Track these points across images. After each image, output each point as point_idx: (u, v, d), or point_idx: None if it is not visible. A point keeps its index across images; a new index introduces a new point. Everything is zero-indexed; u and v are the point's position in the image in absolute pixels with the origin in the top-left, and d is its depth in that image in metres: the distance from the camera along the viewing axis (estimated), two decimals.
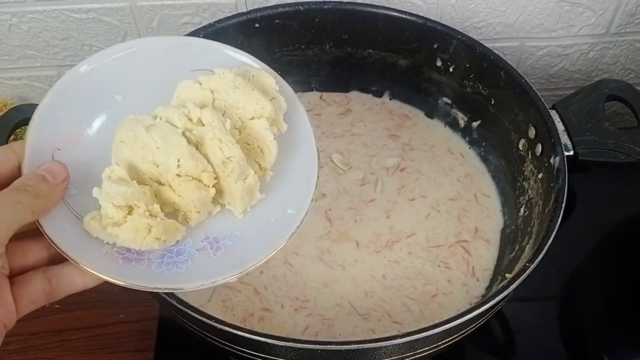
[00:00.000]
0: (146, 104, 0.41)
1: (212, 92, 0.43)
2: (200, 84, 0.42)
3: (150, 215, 0.38)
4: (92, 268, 0.37)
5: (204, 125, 0.40)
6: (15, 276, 0.38)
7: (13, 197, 0.35)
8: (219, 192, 0.41)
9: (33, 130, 0.39)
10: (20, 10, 0.72)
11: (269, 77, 0.44)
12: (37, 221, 0.37)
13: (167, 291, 0.39)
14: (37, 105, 0.62)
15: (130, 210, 0.38)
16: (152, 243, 0.38)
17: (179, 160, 0.39)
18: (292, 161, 0.44)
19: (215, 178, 0.40)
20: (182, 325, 0.52)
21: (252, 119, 0.42)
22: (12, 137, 0.62)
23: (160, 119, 0.40)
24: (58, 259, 0.39)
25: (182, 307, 0.47)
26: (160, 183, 0.40)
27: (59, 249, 0.37)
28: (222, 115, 0.41)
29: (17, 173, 0.37)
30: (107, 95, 0.41)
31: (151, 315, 0.66)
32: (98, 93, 0.41)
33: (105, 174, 0.39)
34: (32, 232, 0.39)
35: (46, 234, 0.37)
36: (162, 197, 0.40)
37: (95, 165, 0.39)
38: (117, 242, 0.38)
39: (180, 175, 0.39)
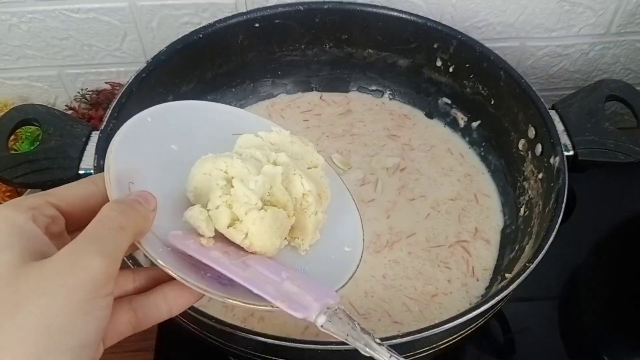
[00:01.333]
0: (195, 155, 0.44)
1: (272, 144, 0.47)
2: (262, 138, 0.47)
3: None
4: (198, 287, 0.37)
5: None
6: None
7: (113, 224, 0.35)
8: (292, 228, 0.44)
9: (112, 162, 0.40)
10: (20, 10, 0.72)
11: (309, 142, 0.49)
12: (139, 242, 0.37)
13: (269, 310, 0.39)
14: (37, 105, 0.63)
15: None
16: (280, 241, 0.42)
17: (271, 188, 0.42)
18: (335, 208, 0.48)
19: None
20: (182, 325, 0.52)
21: (309, 168, 0.47)
22: (12, 136, 0.63)
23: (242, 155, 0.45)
24: (141, 290, 0.39)
25: None
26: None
27: (165, 267, 0.37)
28: None
29: (101, 205, 0.37)
30: (165, 143, 0.45)
31: None
32: (159, 140, 0.45)
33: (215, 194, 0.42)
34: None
35: (150, 255, 0.37)
36: None
37: (161, 199, 0.41)
38: (251, 232, 0.40)
39: (267, 203, 0.42)
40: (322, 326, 0.38)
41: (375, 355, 0.36)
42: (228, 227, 0.40)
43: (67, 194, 0.38)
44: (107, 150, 0.41)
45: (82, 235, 0.34)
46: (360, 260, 0.46)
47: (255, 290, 0.38)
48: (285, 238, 0.44)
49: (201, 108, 0.49)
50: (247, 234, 0.40)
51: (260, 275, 0.40)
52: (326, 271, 0.44)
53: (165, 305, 0.39)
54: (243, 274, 0.39)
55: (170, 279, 0.39)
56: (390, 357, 0.36)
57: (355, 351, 0.47)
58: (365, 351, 0.36)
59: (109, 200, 0.37)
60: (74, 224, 0.38)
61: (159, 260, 0.37)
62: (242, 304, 0.38)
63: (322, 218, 0.45)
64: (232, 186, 0.41)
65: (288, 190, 0.43)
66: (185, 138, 0.46)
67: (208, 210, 0.41)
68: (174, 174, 0.44)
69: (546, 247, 0.53)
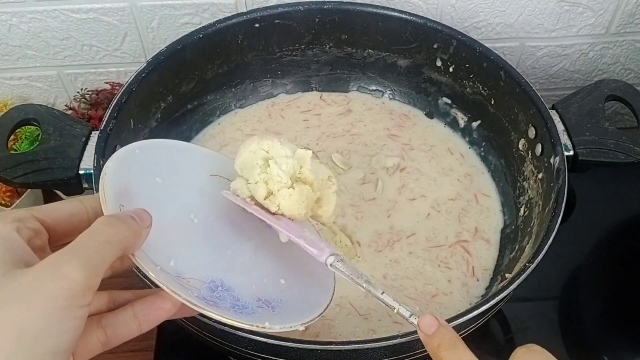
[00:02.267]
0: (175, 191, 0.49)
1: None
2: (280, 142, 0.53)
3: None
4: (188, 301, 0.39)
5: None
6: None
7: (100, 237, 0.35)
8: (317, 200, 0.53)
9: (107, 183, 0.42)
10: (20, 10, 0.72)
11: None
12: (132, 256, 0.39)
13: (250, 327, 0.42)
14: (37, 105, 0.63)
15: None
16: (305, 211, 0.50)
17: (301, 167, 0.50)
18: (310, 259, 0.52)
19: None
20: (182, 325, 0.52)
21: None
22: (12, 136, 0.62)
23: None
24: (113, 309, 0.40)
25: None
26: None
27: (152, 279, 0.39)
28: None
29: (86, 226, 0.37)
30: (151, 176, 0.48)
31: None
32: (145, 172, 0.48)
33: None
34: None
35: (143, 268, 0.39)
36: None
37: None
38: (282, 205, 0.48)
39: (296, 180, 0.51)
40: (331, 265, 0.46)
41: (371, 289, 0.44)
42: (264, 199, 0.49)
43: (53, 210, 0.39)
44: (100, 173, 0.43)
45: (67, 246, 0.34)
46: (334, 291, 0.50)
47: (283, 231, 0.48)
48: (313, 208, 0.53)
49: (185, 148, 0.54)
50: (279, 206, 0.49)
51: (287, 224, 0.49)
52: (301, 302, 0.48)
53: (134, 322, 0.39)
54: (275, 221, 0.48)
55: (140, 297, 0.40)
56: (382, 293, 0.44)
57: (355, 351, 0.48)
58: (363, 286, 0.44)
59: (93, 221, 0.38)
60: (57, 240, 0.39)
61: (150, 274, 0.39)
62: (228, 321, 0.41)
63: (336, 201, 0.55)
64: (269, 166, 0.49)
65: (315, 172, 0.52)
66: (169, 173, 0.49)
67: (248, 184, 0.49)
68: (157, 204, 0.46)
69: (546, 247, 0.53)
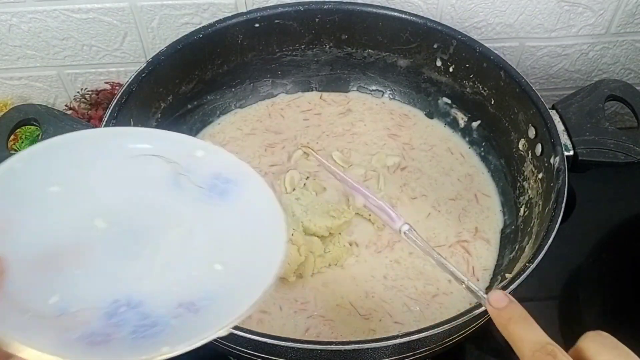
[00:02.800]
0: (81, 193, 0.42)
1: None
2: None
3: None
4: (54, 353, 0.33)
5: None
6: None
7: None
8: None
9: None
10: (20, 10, 0.72)
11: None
12: None
13: (150, 358, 0.36)
14: (37, 105, 0.63)
15: None
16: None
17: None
18: (257, 226, 0.44)
19: None
20: None
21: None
22: (12, 136, 0.62)
23: None
24: None
25: None
26: None
27: (10, 338, 0.33)
28: None
29: None
30: (42, 188, 0.41)
31: None
32: (33, 186, 0.41)
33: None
34: None
35: None
36: None
37: (27, 255, 0.38)
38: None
39: None
40: (404, 233, 0.50)
41: (443, 261, 0.48)
42: None
43: None
44: None
45: None
46: (279, 266, 0.41)
47: (365, 191, 0.56)
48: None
49: (95, 136, 0.46)
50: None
51: (367, 191, 0.55)
52: (237, 288, 0.41)
53: None
54: (355, 186, 0.56)
55: None
56: (451, 268, 0.47)
57: (355, 351, 0.48)
58: (433, 257, 0.48)
59: None
60: None
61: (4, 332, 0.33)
62: None
63: None
64: None
65: None
66: (71, 175, 0.43)
67: None
68: (45, 223, 0.41)
69: (546, 247, 0.53)
